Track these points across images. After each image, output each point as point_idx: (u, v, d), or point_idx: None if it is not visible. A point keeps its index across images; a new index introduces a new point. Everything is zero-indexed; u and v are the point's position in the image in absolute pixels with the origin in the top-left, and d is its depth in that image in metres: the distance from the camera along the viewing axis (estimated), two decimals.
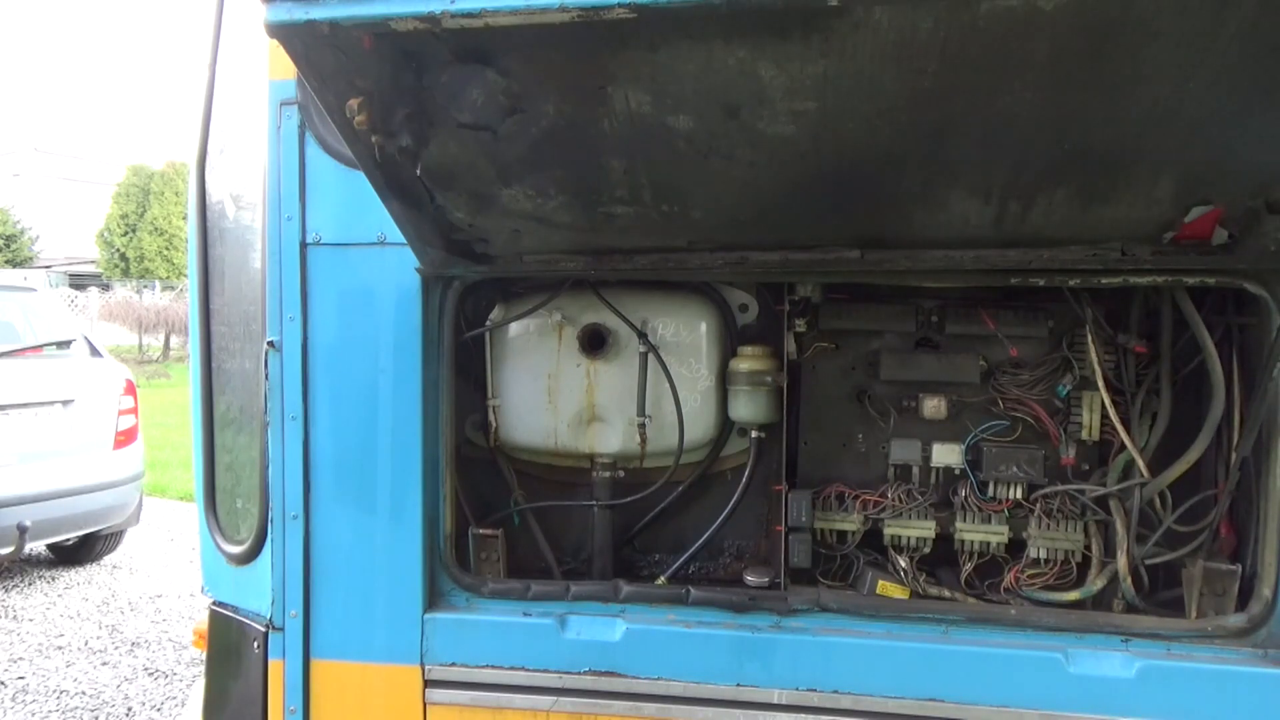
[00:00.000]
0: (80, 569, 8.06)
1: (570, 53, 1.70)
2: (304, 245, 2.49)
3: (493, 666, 2.44)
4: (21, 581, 7.70)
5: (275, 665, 2.53)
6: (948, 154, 1.90)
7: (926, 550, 2.59)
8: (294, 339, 2.49)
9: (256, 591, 2.60)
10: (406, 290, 2.46)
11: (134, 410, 7.84)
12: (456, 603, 2.52)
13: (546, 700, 2.42)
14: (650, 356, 2.60)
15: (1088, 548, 2.50)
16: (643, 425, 2.62)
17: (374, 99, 1.82)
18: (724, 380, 2.65)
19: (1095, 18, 1.54)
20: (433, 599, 2.51)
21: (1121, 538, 2.41)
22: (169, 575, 7.93)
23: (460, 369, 2.62)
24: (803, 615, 2.40)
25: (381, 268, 2.46)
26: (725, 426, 2.71)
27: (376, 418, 2.48)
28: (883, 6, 1.52)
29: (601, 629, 2.43)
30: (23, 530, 6.58)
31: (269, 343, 2.50)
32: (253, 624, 2.61)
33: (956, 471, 2.57)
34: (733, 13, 1.54)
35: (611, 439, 2.68)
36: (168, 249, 36.73)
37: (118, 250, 36.92)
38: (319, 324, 2.49)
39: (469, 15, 1.58)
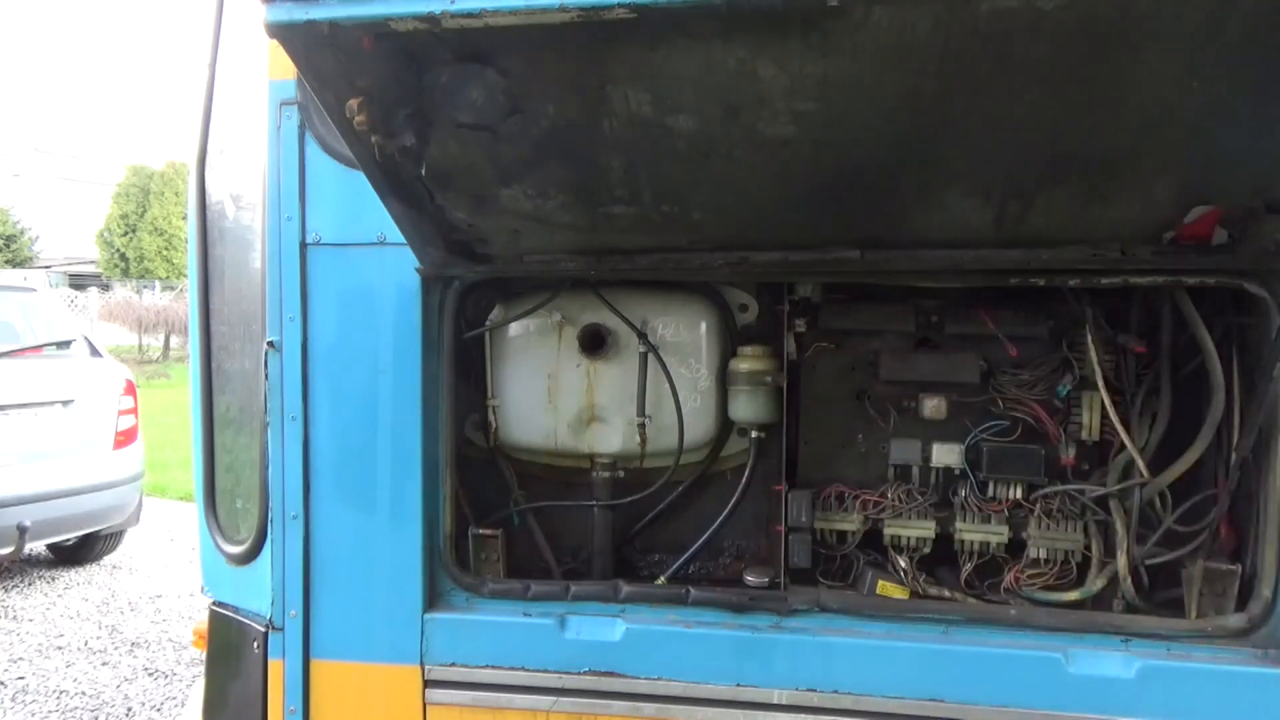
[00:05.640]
0: (80, 569, 8.06)
1: (570, 53, 1.70)
2: (304, 245, 2.49)
3: (493, 666, 2.44)
4: (21, 581, 7.70)
5: (275, 665, 2.53)
6: (947, 154, 1.90)
7: (926, 550, 2.59)
8: (294, 339, 2.49)
9: (256, 591, 2.60)
10: (406, 290, 2.46)
11: (134, 410, 7.83)
12: (456, 603, 2.52)
13: (546, 700, 2.42)
14: (650, 356, 2.60)
15: (1088, 548, 2.50)
16: (643, 425, 2.62)
17: (374, 99, 1.82)
18: (724, 380, 2.65)
19: (1095, 18, 1.54)
20: (432, 599, 2.51)
21: (1121, 538, 2.41)
22: (169, 575, 7.93)
23: (460, 369, 2.62)
24: (803, 615, 2.40)
25: (381, 268, 2.46)
26: (725, 426, 2.71)
27: (376, 418, 2.48)
28: (883, 6, 1.52)
29: (601, 629, 2.43)
30: (23, 530, 6.57)
31: (269, 343, 2.50)
32: (252, 624, 2.61)
33: (956, 471, 2.56)
34: (732, 13, 1.54)
35: (611, 439, 2.68)
36: (168, 249, 36.71)
37: (118, 250, 36.91)
38: (319, 324, 2.49)
39: (469, 15, 1.58)
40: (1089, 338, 2.44)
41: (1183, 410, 2.45)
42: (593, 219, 2.19)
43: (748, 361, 2.60)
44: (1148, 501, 2.44)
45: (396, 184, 2.08)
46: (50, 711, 5.31)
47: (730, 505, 2.70)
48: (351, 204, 2.44)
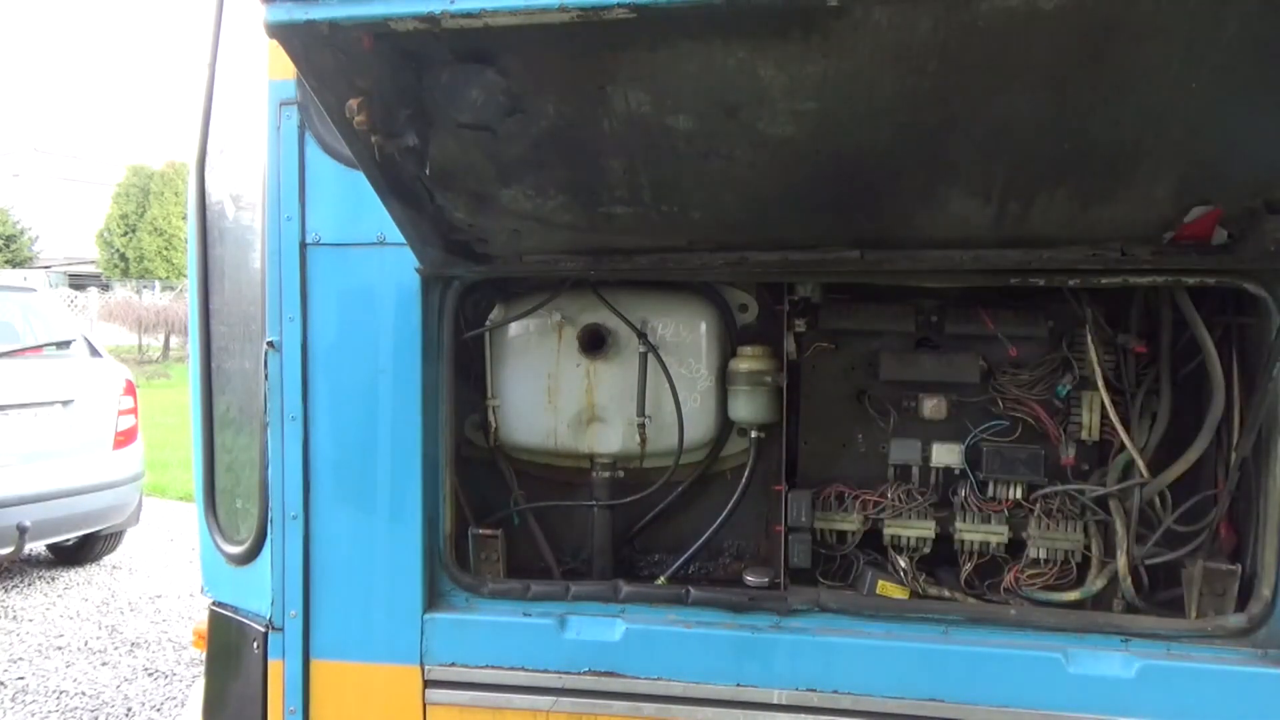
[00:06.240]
0: (80, 569, 8.06)
1: (570, 53, 1.70)
2: (304, 245, 2.49)
3: (492, 667, 2.44)
4: (21, 581, 7.70)
5: (275, 665, 2.53)
6: (947, 154, 1.90)
7: (926, 550, 2.59)
8: (294, 339, 2.49)
9: (256, 591, 2.60)
10: (406, 290, 2.46)
11: (134, 410, 7.83)
12: (456, 603, 2.52)
13: (546, 700, 2.42)
14: (650, 356, 2.60)
15: (1088, 548, 2.50)
16: (642, 425, 2.62)
17: (374, 99, 1.82)
18: (724, 380, 2.65)
19: (1095, 18, 1.54)
20: (432, 599, 2.51)
21: (1121, 538, 2.41)
22: (169, 575, 7.93)
23: (460, 369, 2.62)
24: (803, 615, 2.40)
25: (381, 268, 2.47)
26: (725, 427, 2.71)
27: (376, 418, 2.48)
28: (882, 6, 1.52)
29: (601, 629, 2.43)
30: (23, 530, 6.57)
31: (269, 343, 2.50)
32: (252, 624, 2.61)
33: (956, 471, 2.57)
34: (733, 13, 1.54)
35: (611, 439, 2.68)
36: (168, 249, 36.71)
37: (117, 250, 36.91)
38: (319, 324, 2.49)
39: (469, 15, 1.58)
40: (1089, 338, 2.44)
41: (1183, 410, 2.45)
42: (592, 219, 2.19)
43: (748, 361, 2.60)
44: (1148, 501, 2.44)
45: (396, 184, 2.08)
46: (50, 711, 5.31)
47: (730, 505, 2.70)
48: (351, 204, 2.44)
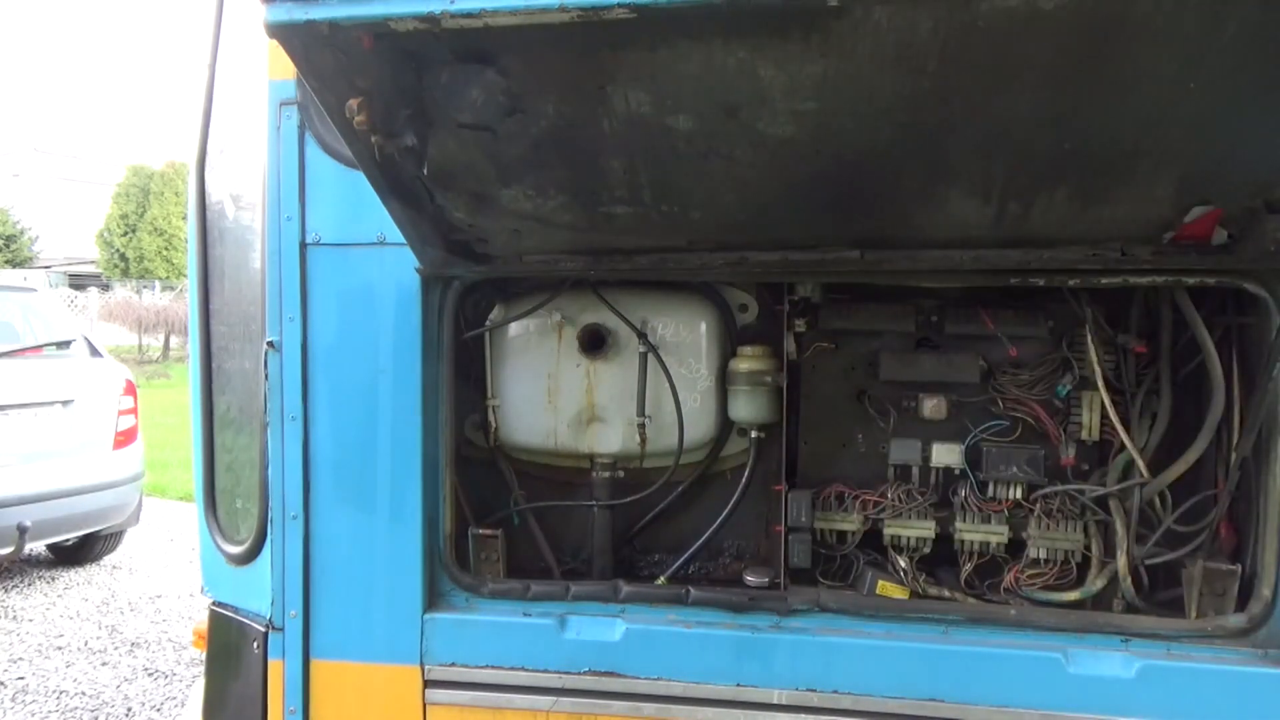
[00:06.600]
0: (80, 569, 8.06)
1: (570, 53, 1.70)
2: (304, 245, 2.49)
3: (492, 666, 2.45)
4: (21, 581, 7.70)
5: (275, 665, 2.53)
6: (947, 154, 1.90)
7: (926, 550, 2.59)
8: (294, 339, 2.49)
9: (256, 591, 2.60)
10: (406, 290, 2.46)
11: (134, 410, 7.83)
12: (456, 603, 2.52)
13: (546, 700, 2.42)
14: (650, 356, 2.60)
15: (1088, 548, 2.50)
16: (642, 425, 2.62)
17: (374, 99, 1.82)
18: (724, 380, 2.65)
19: (1095, 18, 1.54)
20: (432, 599, 2.51)
21: (1121, 538, 2.41)
22: (169, 575, 7.93)
23: (460, 369, 2.62)
24: (803, 615, 2.40)
25: (381, 268, 2.47)
26: (725, 427, 2.71)
27: (376, 418, 2.48)
28: (882, 6, 1.52)
29: (601, 629, 2.43)
30: (23, 530, 6.57)
31: (269, 343, 2.50)
32: (252, 624, 2.61)
33: (956, 471, 2.57)
34: (733, 13, 1.54)
35: (611, 439, 2.68)
36: (168, 249, 36.69)
37: (117, 250, 36.89)
38: (319, 324, 2.49)
39: (469, 15, 1.58)
40: (1089, 338, 2.44)
41: (1183, 410, 2.45)
42: (592, 219, 2.19)
43: (748, 361, 2.60)
44: (1148, 501, 2.44)
45: (396, 184, 2.08)
46: (50, 711, 5.31)
47: (730, 505, 2.70)
48: (351, 204, 2.44)
